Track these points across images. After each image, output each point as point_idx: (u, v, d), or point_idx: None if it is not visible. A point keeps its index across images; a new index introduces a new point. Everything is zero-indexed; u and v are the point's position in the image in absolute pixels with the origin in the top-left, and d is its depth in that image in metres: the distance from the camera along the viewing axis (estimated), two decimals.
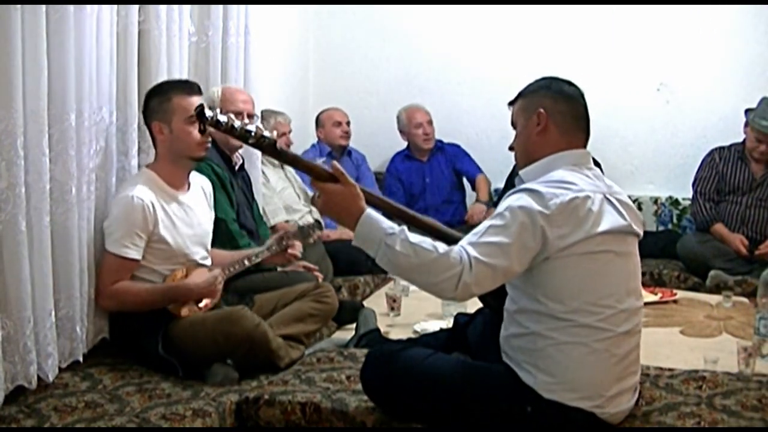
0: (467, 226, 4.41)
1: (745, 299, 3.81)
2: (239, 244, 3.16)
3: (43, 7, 2.28)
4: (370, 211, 1.97)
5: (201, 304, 2.70)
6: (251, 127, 1.96)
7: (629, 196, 2.20)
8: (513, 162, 2.23)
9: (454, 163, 5.02)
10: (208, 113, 1.92)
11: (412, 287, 3.36)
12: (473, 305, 2.35)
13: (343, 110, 4.84)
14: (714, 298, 3.84)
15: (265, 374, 2.57)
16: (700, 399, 2.24)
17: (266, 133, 1.97)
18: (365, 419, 2.19)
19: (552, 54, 4.78)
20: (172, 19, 2.97)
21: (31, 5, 2.23)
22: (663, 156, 4.92)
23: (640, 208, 4.79)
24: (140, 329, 2.61)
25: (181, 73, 3.06)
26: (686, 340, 3.31)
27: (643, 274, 4.01)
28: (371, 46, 5.34)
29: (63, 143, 2.41)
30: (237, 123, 1.94)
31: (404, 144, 5.05)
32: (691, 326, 3.47)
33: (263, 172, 3.88)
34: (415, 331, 3.22)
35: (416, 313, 3.51)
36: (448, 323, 3.05)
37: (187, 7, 3.13)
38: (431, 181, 4.97)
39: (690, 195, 4.49)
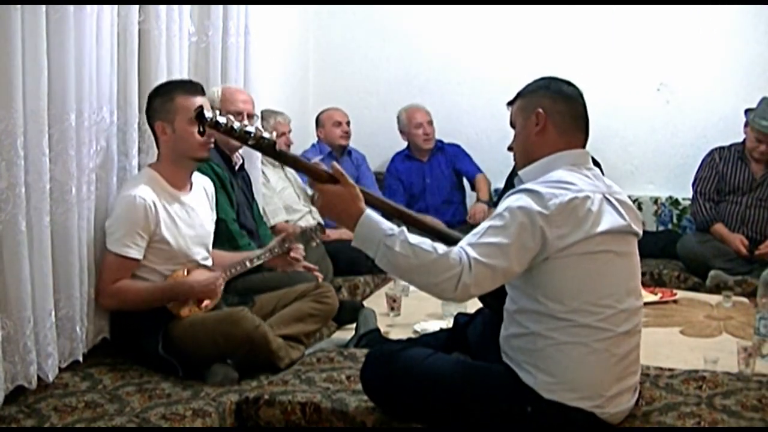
0: (467, 226, 4.42)
1: (745, 299, 3.81)
2: (239, 244, 3.16)
3: (43, 7, 2.28)
4: (369, 212, 1.97)
5: (201, 305, 2.70)
6: (251, 129, 1.96)
7: (629, 196, 2.20)
8: (513, 162, 2.22)
9: (454, 163, 5.02)
10: (208, 115, 1.92)
11: (412, 287, 3.36)
12: (473, 305, 2.35)
13: (343, 110, 4.84)
14: (714, 298, 3.84)
15: (265, 374, 2.57)
16: (700, 399, 2.24)
17: (266, 135, 1.97)
18: (365, 419, 2.19)
19: (552, 54, 4.78)
20: (172, 19, 2.97)
21: (31, 5, 2.23)
22: (663, 156, 4.92)
23: (640, 208, 4.79)
24: (140, 329, 2.61)
25: (181, 73, 3.06)
26: (686, 340, 3.31)
27: (643, 274, 4.02)
28: (371, 46, 5.34)
29: (63, 143, 2.41)
30: (236, 124, 1.94)
31: (404, 144, 5.05)
32: (691, 326, 3.47)
33: (263, 172, 3.89)
34: (415, 331, 3.22)
35: (416, 313, 3.51)
36: (448, 323, 3.05)
37: (187, 7, 3.12)
38: (431, 181, 4.98)
39: (690, 195, 4.50)
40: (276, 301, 2.94)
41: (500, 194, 4.67)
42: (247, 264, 2.82)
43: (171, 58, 2.98)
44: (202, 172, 2.96)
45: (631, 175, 4.93)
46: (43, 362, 2.36)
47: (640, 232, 2.10)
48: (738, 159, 4.30)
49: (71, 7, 2.38)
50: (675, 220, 4.85)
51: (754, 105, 4.19)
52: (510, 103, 2.19)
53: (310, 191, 3.69)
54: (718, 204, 4.34)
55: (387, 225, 1.94)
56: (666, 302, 3.80)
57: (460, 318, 2.62)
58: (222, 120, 1.93)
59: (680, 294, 3.94)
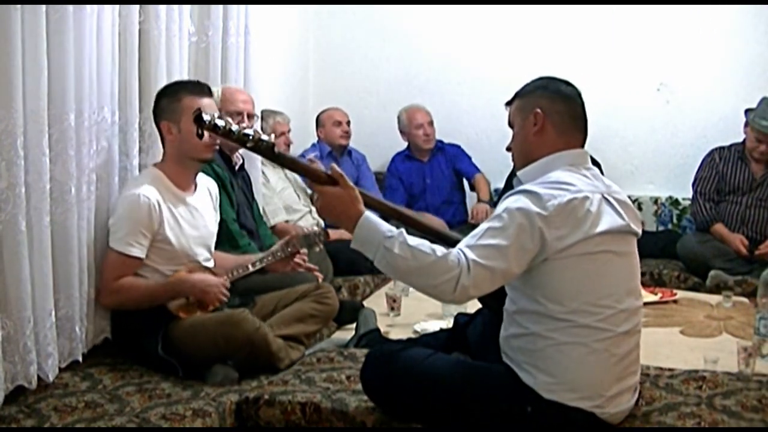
0: (468, 226, 4.41)
1: (745, 299, 3.81)
2: (239, 244, 3.16)
3: (43, 7, 2.28)
4: (368, 214, 1.97)
5: (206, 309, 2.69)
6: (249, 131, 1.96)
7: (629, 196, 2.20)
8: (512, 162, 2.22)
9: (454, 164, 5.02)
10: (206, 117, 1.93)
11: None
12: (473, 305, 2.35)
13: (343, 110, 4.84)
14: (714, 298, 3.84)
15: (265, 374, 2.57)
16: (700, 399, 2.24)
17: (264, 137, 1.97)
18: (365, 419, 2.19)
19: (552, 54, 4.78)
20: (172, 19, 2.97)
21: (31, 5, 2.23)
22: (663, 156, 4.92)
23: (640, 208, 4.79)
24: (141, 329, 2.61)
25: (181, 73, 3.06)
26: (686, 340, 3.31)
27: (643, 274, 4.04)
28: (371, 46, 5.34)
29: (62, 143, 2.41)
30: (234, 127, 1.94)
31: (404, 144, 5.05)
32: (691, 326, 3.47)
33: (263, 172, 3.89)
34: (415, 331, 3.22)
35: (416, 313, 3.51)
36: (448, 323, 3.05)
37: (187, 7, 3.12)
38: (431, 181, 4.97)
39: (690, 195, 4.50)
40: (276, 301, 2.94)
41: (500, 194, 4.67)
42: (250, 267, 2.82)
43: (171, 58, 2.98)
44: (203, 172, 2.96)
45: (631, 175, 4.93)
46: (43, 362, 2.36)
47: (640, 232, 2.10)
48: (738, 159, 4.30)
49: (71, 7, 2.38)
50: (675, 220, 4.85)
51: (754, 105, 4.19)
52: (508, 104, 2.19)
53: (310, 191, 3.69)
54: (718, 204, 4.34)
55: (386, 227, 1.94)
56: (666, 302, 3.80)
57: (460, 318, 2.62)
58: (220, 122, 1.94)
59: (680, 294, 3.94)
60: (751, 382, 2.34)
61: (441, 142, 5.02)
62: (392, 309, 3.59)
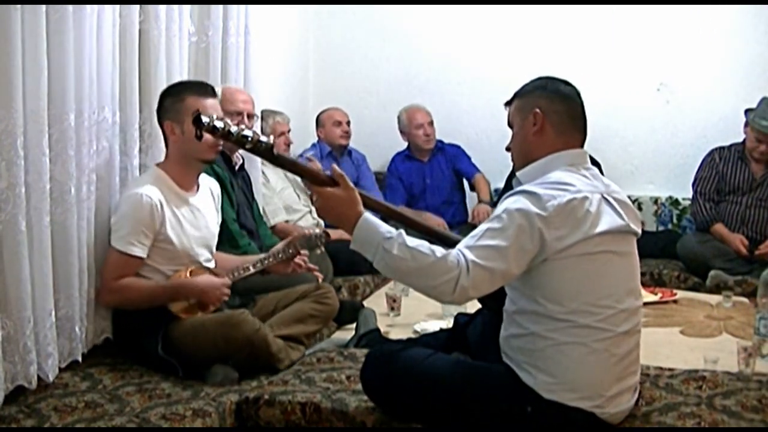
0: (468, 227, 4.42)
1: (745, 299, 3.82)
2: (239, 243, 3.16)
3: (43, 7, 2.28)
4: (367, 215, 1.98)
5: (206, 309, 2.69)
6: (248, 132, 1.96)
7: (629, 196, 2.19)
8: (511, 162, 2.22)
9: (454, 164, 5.02)
10: (204, 119, 1.93)
11: None
12: (473, 305, 2.35)
13: (343, 110, 4.84)
14: (714, 298, 3.84)
15: (265, 374, 2.57)
16: (700, 399, 2.24)
17: (263, 138, 1.97)
18: (365, 419, 2.19)
19: (552, 54, 4.78)
20: (172, 19, 2.97)
21: (31, 5, 2.23)
22: (663, 156, 4.92)
23: (640, 208, 4.80)
24: (141, 329, 2.61)
25: (181, 73, 3.06)
26: (686, 340, 3.31)
27: (643, 274, 4.04)
28: (371, 46, 5.34)
29: (62, 143, 2.41)
30: (233, 128, 1.95)
31: (404, 144, 5.05)
32: (691, 326, 3.47)
33: (263, 172, 3.89)
34: (415, 331, 3.22)
35: (416, 313, 3.51)
36: (448, 323, 3.05)
37: (187, 7, 3.12)
38: (431, 181, 4.97)
39: (690, 195, 4.50)
40: (276, 301, 2.94)
41: (500, 194, 4.67)
42: (251, 268, 2.81)
43: (171, 58, 2.98)
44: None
45: (631, 175, 4.93)
46: (43, 362, 2.36)
47: (639, 232, 2.10)
48: (738, 159, 4.30)
49: (71, 7, 2.38)
50: (675, 220, 4.85)
51: (754, 105, 4.19)
52: (507, 104, 2.19)
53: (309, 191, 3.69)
54: (718, 204, 4.34)
55: (385, 228, 1.94)
56: (666, 302, 3.80)
57: (460, 318, 2.62)
58: (219, 124, 1.94)
59: (680, 294, 3.94)
60: (751, 382, 2.34)
61: (441, 142, 5.01)
62: (392, 309, 3.59)
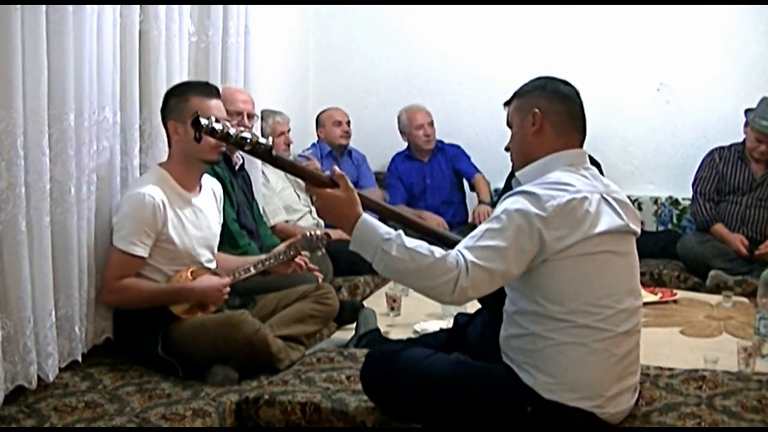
0: (468, 227, 4.42)
1: (745, 299, 3.81)
2: (239, 244, 3.16)
3: (43, 7, 2.28)
4: (366, 216, 1.98)
5: (206, 310, 2.69)
6: (247, 134, 1.96)
7: (629, 196, 2.19)
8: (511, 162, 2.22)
9: (454, 164, 5.01)
10: (203, 121, 1.93)
11: None
12: (473, 305, 2.35)
13: (343, 110, 4.84)
14: (714, 298, 3.84)
15: (265, 374, 2.57)
16: (700, 399, 2.24)
17: (262, 140, 1.97)
18: (365, 419, 2.19)
19: (552, 54, 4.78)
20: (172, 19, 2.96)
21: (31, 5, 2.23)
22: (663, 156, 4.92)
23: (640, 208, 4.80)
24: (141, 329, 2.61)
25: (181, 73, 3.06)
26: (686, 340, 3.31)
27: (643, 274, 4.04)
28: (371, 46, 5.34)
29: (62, 143, 2.41)
30: (232, 130, 1.95)
31: (404, 144, 5.05)
32: (691, 326, 3.47)
33: (263, 172, 3.89)
34: (415, 331, 3.22)
35: (416, 313, 3.51)
36: (448, 323, 3.05)
37: (187, 7, 3.12)
38: (431, 181, 4.97)
39: (690, 195, 4.50)
40: (277, 301, 2.94)
41: (500, 194, 4.67)
42: (252, 269, 2.82)
43: (171, 58, 2.98)
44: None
45: (631, 175, 4.93)
46: (43, 362, 2.36)
47: (639, 232, 2.10)
48: (738, 159, 4.30)
49: (71, 7, 2.38)
50: (675, 220, 4.85)
51: (754, 105, 4.19)
52: (507, 104, 2.19)
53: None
54: (718, 204, 4.34)
55: (384, 229, 1.94)
56: (666, 302, 3.80)
57: (460, 318, 2.62)
58: (218, 126, 1.94)
59: (680, 294, 3.94)
60: (751, 382, 2.34)
61: (441, 142, 5.01)
62: (392, 309, 3.59)
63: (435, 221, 4.56)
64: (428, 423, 2.12)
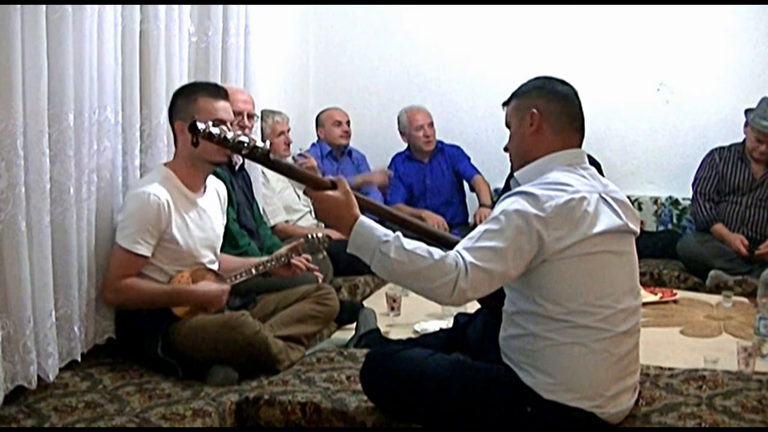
0: (468, 228, 4.42)
1: (745, 299, 3.82)
2: (239, 244, 3.16)
3: (43, 7, 2.28)
4: (363, 219, 1.97)
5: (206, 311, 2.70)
6: (244, 138, 1.97)
7: (629, 196, 2.19)
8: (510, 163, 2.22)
9: (454, 165, 5.01)
10: (200, 126, 1.93)
11: None
12: (473, 305, 2.35)
13: (343, 110, 4.84)
14: (714, 298, 3.84)
15: (265, 374, 2.56)
16: (700, 399, 2.24)
17: (259, 144, 1.97)
18: (365, 419, 2.19)
19: (552, 54, 4.78)
20: (172, 19, 2.96)
21: (31, 5, 2.23)
22: (663, 156, 4.92)
23: (640, 208, 4.80)
24: (142, 329, 2.61)
25: (181, 73, 3.06)
26: (686, 340, 3.31)
27: (643, 274, 4.05)
28: (371, 46, 5.34)
29: (62, 143, 2.41)
30: (229, 134, 1.95)
31: (404, 144, 5.05)
32: (691, 326, 3.47)
33: (263, 173, 3.89)
34: (415, 331, 3.22)
35: (416, 313, 3.51)
36: (448, 323, 3.05)
37: (187, 7, 3.12)
38: (431, 182, 4.97)
39: (690, 195, 4.50)
40: (277, 302, 2.94)
41: (499, 195, 4.66)
42: (253, 271, 2.82)
43: (171, 58, 2.98)
44: None
45: (631, 175, 4.93)
46: (43, 362, 2.36)
47: (638, 231, 2.10)
48: (738, 159, 4.30)
49: (71, 7, 2.38)
50: (675, 220, 4.85)
51: (754, 105, 4.19)
52: (505, 104, 2.19)
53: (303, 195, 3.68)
54: (718, 204, 4.34)
55: (382, 231, 1.94)
56: (666, 302, 3.80)
57: (460, 318, 2.61)
58: (215, 131, 1.94)
59: (680, 294, 3.94)
60: (751, 382, 2.34)
61: (441, 142, 5.01)
62: (392, 309, 3.59)
63: (435, 220, 4.56)
64: (428, 423, 2.12)
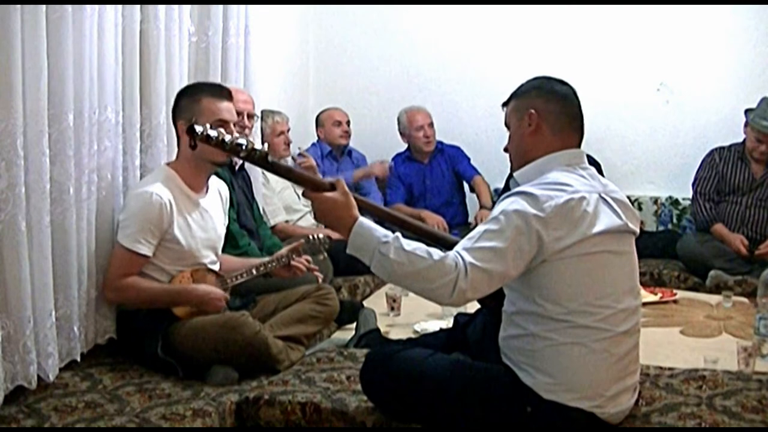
0: (468, 228, 4.42)
1: (745, 299, 3.82)
2: (239, 243, 3.16)
3: (43, 7, 2.28)
4: (362, 220, 1.97)
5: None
6: (242, 141, 1.97)
7: (629, 196, 2.19)
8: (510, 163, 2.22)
9: (454, 165, 5.01)
10: (198, 129, 1.93)
11: None
12: (473, 305, 2.35)
13: (343, 110, 4.84)
14: (714, 298, 3.84)
15: (265, 374, 2.57)
16: (700, 399, 2.24)
17: (257, 146, 1.97)
18: (365, 419, 2.19)
19: (552, 54, 4.78)
20: (172, 19, 2.96)
21: (31, 5, 2.23)
22: (663, 156, 4.92)
23: (640, 208, 4.80)
24: (142, 329, 2.61)
25: (181, 73, 3.06)
26: (686, 340, 3.31)
27: (643, 274, 4.05)
28: (371, 46, 5.34)
29: (62, 143, 2.41)
30: (227, 137, 1.96)
31: (404, 144, 5.05)
32: (691, 326, 3.47)
33: (263, 173, 3.88)
34: (415, 331, 3.22)
35: (416, 313, 3.51)
36: (448, 323, 3.05)
37: (187, 7, 3.12)
38: (431, 183, 4.96)
39: (690, 195, 4.50)
40: (277, 302, 2.94)
41: (499, 195, 4.66)
42: (254, 272, 2.82)
43: (171, 58, 2.98)
44: None
45: (631, 175, 4.93)
46: (43, 362, 2.36)
47: (638, 231, 2.10)
48: (738, 159, 4.31)
49: (71, 7, 2.38)
50: (675, 220, 4.85)
51: (754, 105, 4.19)
52: (505, 104, 2.19)
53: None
54: (718, 204, 4.34)
55: (381, 232, 1.94)
56: (666, 302, 3.80)
57: (460, 318, 2.61)
58: (213, 133, 1.95)
59: (680, 294, 3.94)
60: (751, 382, 2.35)
61: (441, 143, 5.01)
62: (392, 309, 3.59)
63: (434, 220, 4.56)
64: (428, 423, 2.12)
